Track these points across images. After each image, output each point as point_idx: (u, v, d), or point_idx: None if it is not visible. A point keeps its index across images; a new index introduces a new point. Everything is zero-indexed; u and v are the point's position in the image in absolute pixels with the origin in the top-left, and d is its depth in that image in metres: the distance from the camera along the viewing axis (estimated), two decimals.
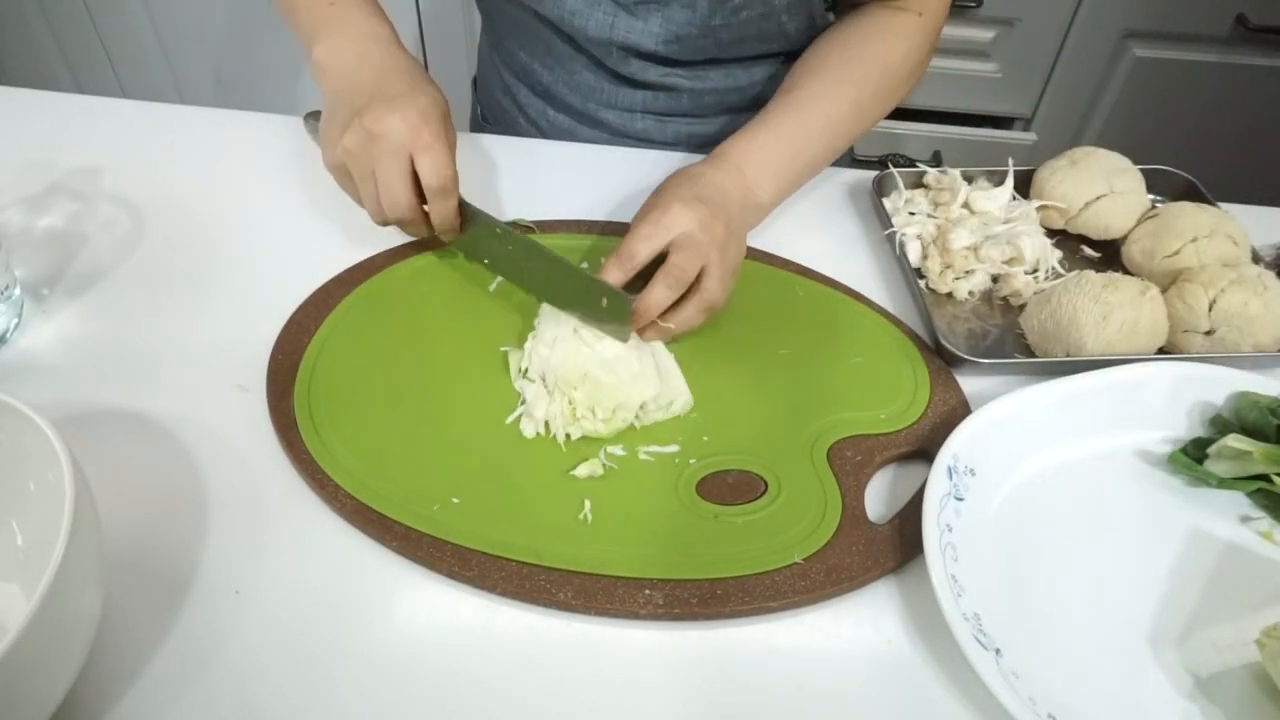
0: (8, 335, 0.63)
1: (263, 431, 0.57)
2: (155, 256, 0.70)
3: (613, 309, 0.59)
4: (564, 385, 0.57)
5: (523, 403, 0.58)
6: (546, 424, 0.57)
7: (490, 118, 0.95)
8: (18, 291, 0.64)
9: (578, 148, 0.82)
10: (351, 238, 0.70)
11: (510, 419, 0.57)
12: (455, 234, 0.65)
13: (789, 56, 0.79)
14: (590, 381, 0.57)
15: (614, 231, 0.71)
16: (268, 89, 1.74)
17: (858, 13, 0.74)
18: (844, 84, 0.70)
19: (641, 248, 0.60)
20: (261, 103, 1.75)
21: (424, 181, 0.61)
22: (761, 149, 0.67)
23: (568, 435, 0.57)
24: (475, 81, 1.00)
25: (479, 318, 0.64)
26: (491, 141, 0.82)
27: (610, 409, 0.56)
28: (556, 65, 0.82)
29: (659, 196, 0.63)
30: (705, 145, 0.75)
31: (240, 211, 0.74)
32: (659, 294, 0.59)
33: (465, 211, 0.65)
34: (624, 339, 0.60)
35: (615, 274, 0.60)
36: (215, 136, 0.81)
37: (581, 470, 0.55)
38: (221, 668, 0.47)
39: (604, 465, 0.55)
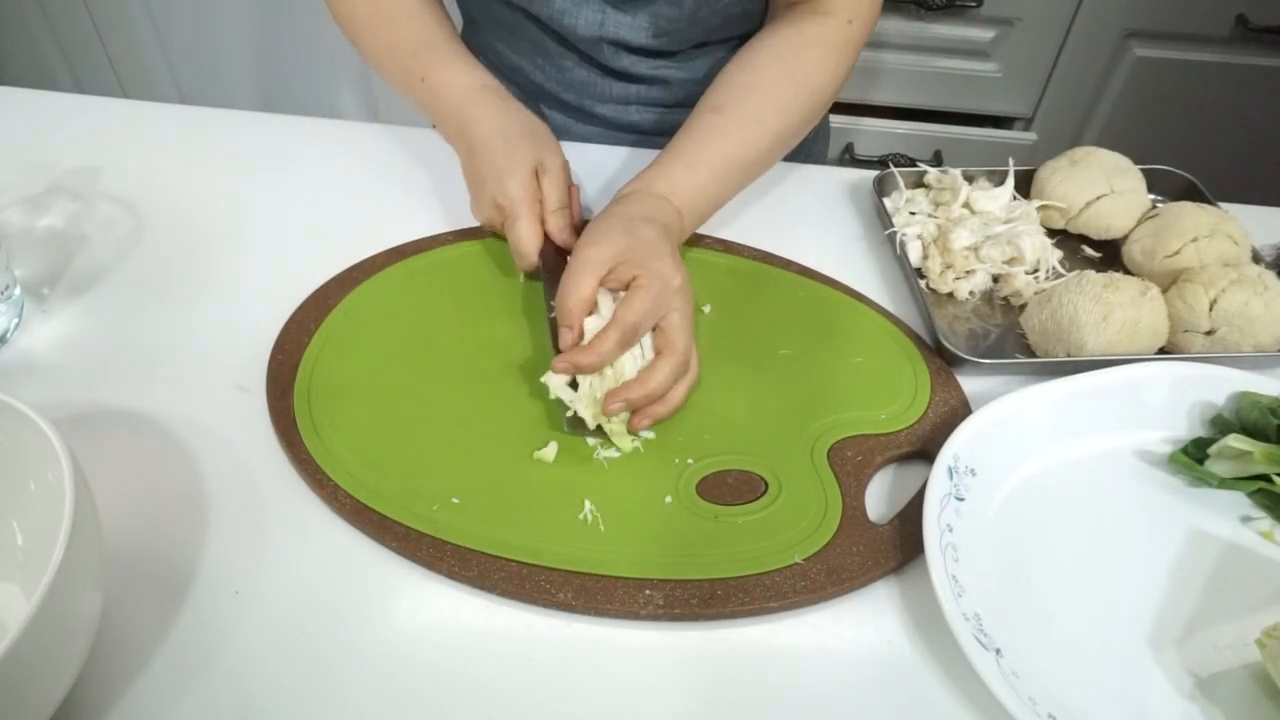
0: (8, 335, 0.63)
1: (263, 431, 0.57)
2: (155, 256, 0.70)
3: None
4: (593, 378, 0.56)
5: (569, 413, 0.57)
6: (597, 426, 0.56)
7: None
8: (18, 291, 0.64)
9: (580, 147, 0.82)
10: (351, 238, 0.70)
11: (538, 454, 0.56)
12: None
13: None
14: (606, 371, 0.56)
15: None
16: (268, 89, 1.74)
17: (787, 20, 0.72)
18: (772, 110, 0.68)
19: (575, 294, 0.56)
20: (262, 102, 1.76)
21: (551, 236, 0.66)
22: (689, 179, 0.65)
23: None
24: None
25: (479, 317, 0.64)
26: None
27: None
28: (547, 64, 0.82)
29: (594, 229, 0.60)
30: None
31: (240, 211, 0.74)
32: (609, 349, 0.55)
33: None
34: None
35: (566, 339, 0.57)
36: (215, 136, 0.81)
37: (548, 452, 0.56)
38: (221, 668, 0.47)
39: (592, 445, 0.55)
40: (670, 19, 0.74)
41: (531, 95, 0.85)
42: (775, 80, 0.69)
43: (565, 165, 0.69)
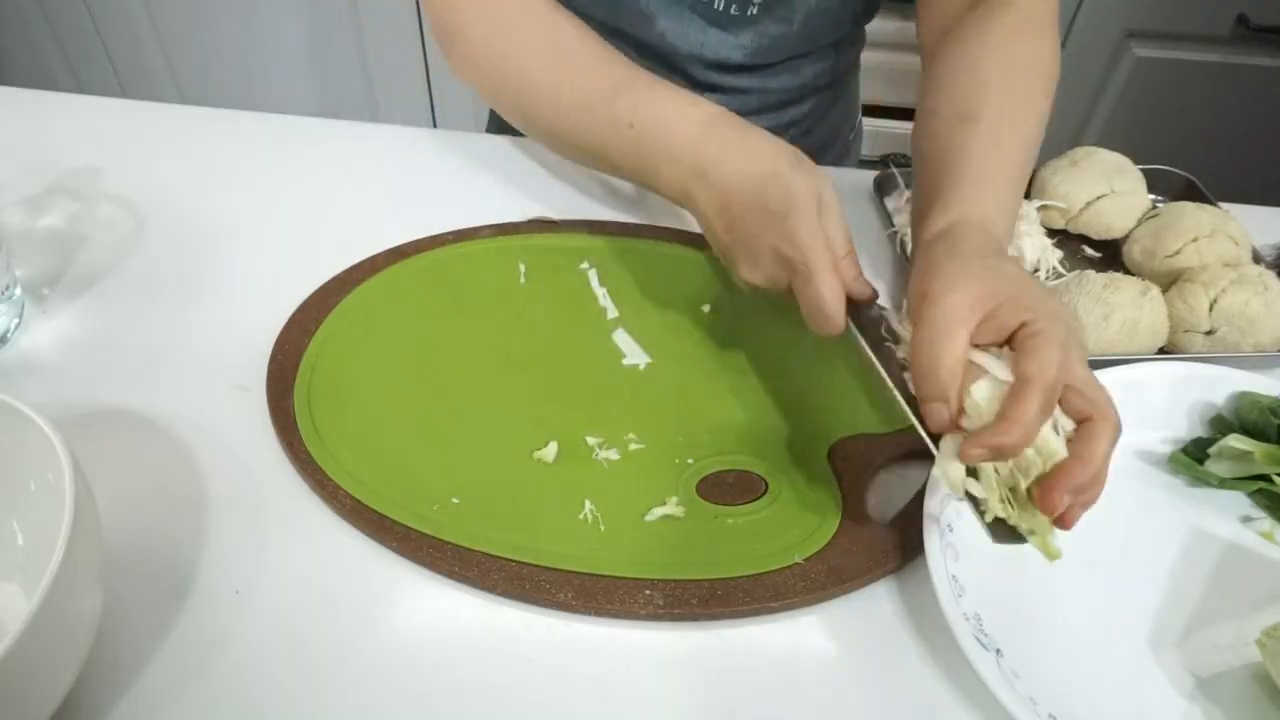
0: (8, 335, 0.63)
1: (263, 431, 0.57)
2: (155, 256, 0.70)
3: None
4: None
5: (987, 518, 0.46)
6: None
7: None
8: (18, 291, 0.64)
9: None
10: (351, 238, 0.70)
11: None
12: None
13: (842, 41, 0.78)
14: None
15: (626, 233, 0.71)
16: (268, 89, 1.74)
17: (984, 12, 0.65)
18: (1022, 103, 0.61)
19: (948, 356, 0.45)
20: (262, 102, 1.75)
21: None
22: (996, 204, 0.55)
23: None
24: None
25: (480, 318, 0.64)
26: (501, 143, 0.82)
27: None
28: None
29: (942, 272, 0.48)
30: None
31: (240, 211, 0.74)
32: (1033, 418, 0.42)
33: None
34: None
35: (939, 417, 0.45)
36: (215, 136, 0.81)
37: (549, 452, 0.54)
38: (221, 668, 0.47)
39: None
40: (775, 37, 0.71)
41: None
42: (1006, 73, 0.61)
43: (838, 198, 0.55)
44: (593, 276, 0.67)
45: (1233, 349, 0.62)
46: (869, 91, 1.44)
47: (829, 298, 0.51)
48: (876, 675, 0.48)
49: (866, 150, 1.47)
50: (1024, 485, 0.44)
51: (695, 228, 0.67)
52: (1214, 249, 0.66)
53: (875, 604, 0.51)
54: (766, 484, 0.55)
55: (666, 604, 0.49)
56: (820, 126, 0.88)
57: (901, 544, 0.52)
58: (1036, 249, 0.68)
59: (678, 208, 0.62)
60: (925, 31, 0.70)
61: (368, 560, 0.51)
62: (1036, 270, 0.69)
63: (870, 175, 0.77)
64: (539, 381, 0.60)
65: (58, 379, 0.60)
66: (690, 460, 0.56)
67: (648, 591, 0.49)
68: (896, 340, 0.53)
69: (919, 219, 0.57)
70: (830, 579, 0.50)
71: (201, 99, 1.75)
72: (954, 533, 0.51)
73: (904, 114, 1.49)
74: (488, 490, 0.54)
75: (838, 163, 0.86)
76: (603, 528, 0.52)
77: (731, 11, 0.73)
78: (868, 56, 0.90)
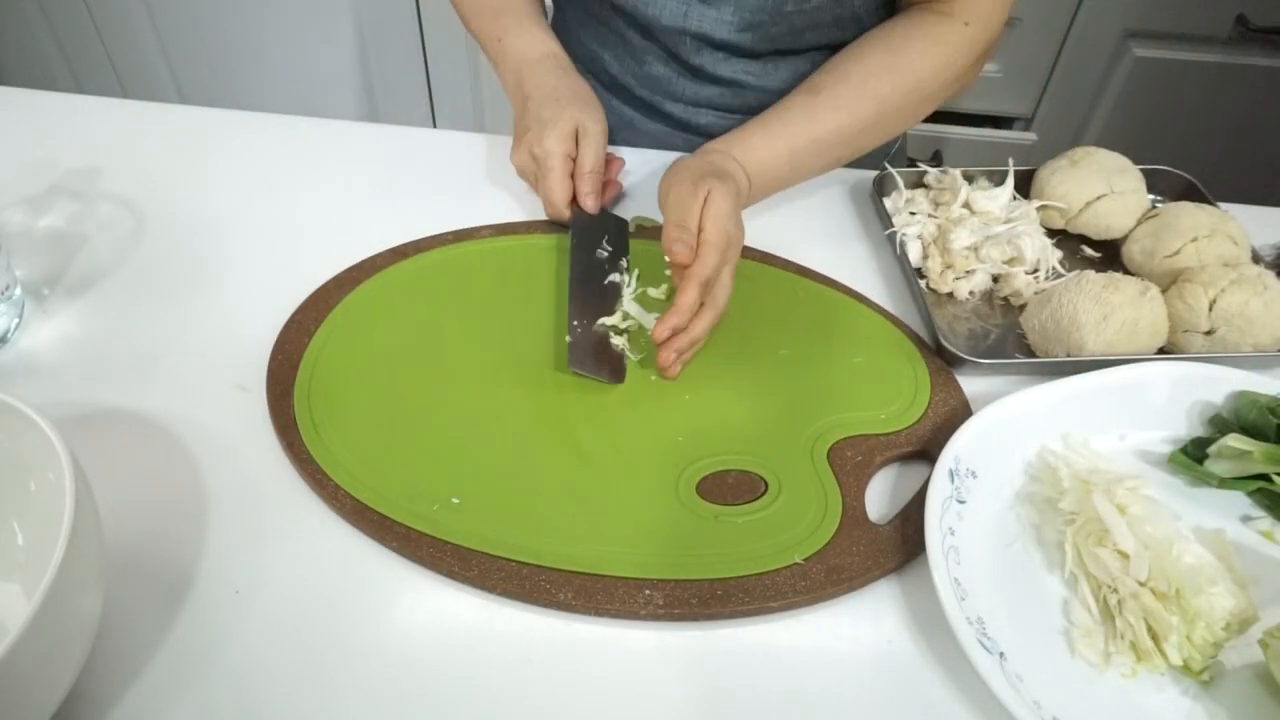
0: (8, 335, 0.63)
1: (263, 431, 0.57)
2: (155, 256, 0.70)
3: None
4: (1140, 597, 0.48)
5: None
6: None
7: None
8: (18, 291, 0.64)
9: (640, 152, 0.81)
10: (351, 238, 0.70)
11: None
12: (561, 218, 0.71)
13: (843, 46, 0.78)
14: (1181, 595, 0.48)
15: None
16: (268, 89, 1.74)
17: (902, 16, 0.72)
18: (868, 97, 0.69)
19: (683, 235, 0.59)
20: (262, 103, 1.75)
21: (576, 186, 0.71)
22: (766, 150, 0.67)
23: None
24: None
25: (479, 318, 0.64)
26: (501, 143, 0.82)
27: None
28: (627, 56, 0.82)
29: (684, 175, 0.63)
30: None
31: (240, 211, 0.74)
32: (691, 298, 0.58)
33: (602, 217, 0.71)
34: (620, 381, 0.61)
35: (679, 253, 0.58)
36: (215, 136, 0.81)
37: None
38: (221, 668, 0.47)
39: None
40: (755, 12, 0.73)
41: (607, 86, 0.86)
42: (875, 69, 0.69)
43: (605, 133, 0.72)
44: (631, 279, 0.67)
45: (1232, 349, 0.62)
46: None
47: (555, 191, 0.69)
48: (876, 675, 0.48)
49: None
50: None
51: None
52: (1213, 249, 0.66)
53: (875, 604, 0.51)
54: (766, 484, 0.55)
55: (666, 604, 0.49)
56: None
57: (901, 544, 0.52)
58: (1036, 249, 0.68)
59: None
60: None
61: (368, 560, 0.51)
62: (1035, 270, 0.69)
63: (870, 175, 0.77)
64: (539, 381, 0.60)
65: (58, 379, 0.60)
66: (690, 460, 0.56)
67: (647, 591, 0.49)
68: (625, 250, 0.69)
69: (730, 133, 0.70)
70: (830, 579, 0.50)
71: (201, 99, 1.75)
72: (956, 535, 0.51)
73: None
74: (488, 490, 0.54)
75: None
76: (603, 528, 0.52)
77: None
78: None
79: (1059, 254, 0.71)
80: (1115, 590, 0.49)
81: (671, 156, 0.79)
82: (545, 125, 0.70)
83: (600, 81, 0.86)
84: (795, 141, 0.68)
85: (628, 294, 0.66)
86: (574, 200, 0.70)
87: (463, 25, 0.83)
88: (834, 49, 0.75)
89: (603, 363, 0.60)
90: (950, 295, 0.69)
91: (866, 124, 0.69)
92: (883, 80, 0.69)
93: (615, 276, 0.67)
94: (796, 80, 0.73)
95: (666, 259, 0.59)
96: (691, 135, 0.84)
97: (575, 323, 0.62)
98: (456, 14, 0.83)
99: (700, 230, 0.59)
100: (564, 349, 0.61)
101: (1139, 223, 0.72)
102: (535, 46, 0.76)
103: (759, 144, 0.67)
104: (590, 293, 0.65)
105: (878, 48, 0.71)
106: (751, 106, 0.81)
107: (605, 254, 0.68)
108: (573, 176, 0.70)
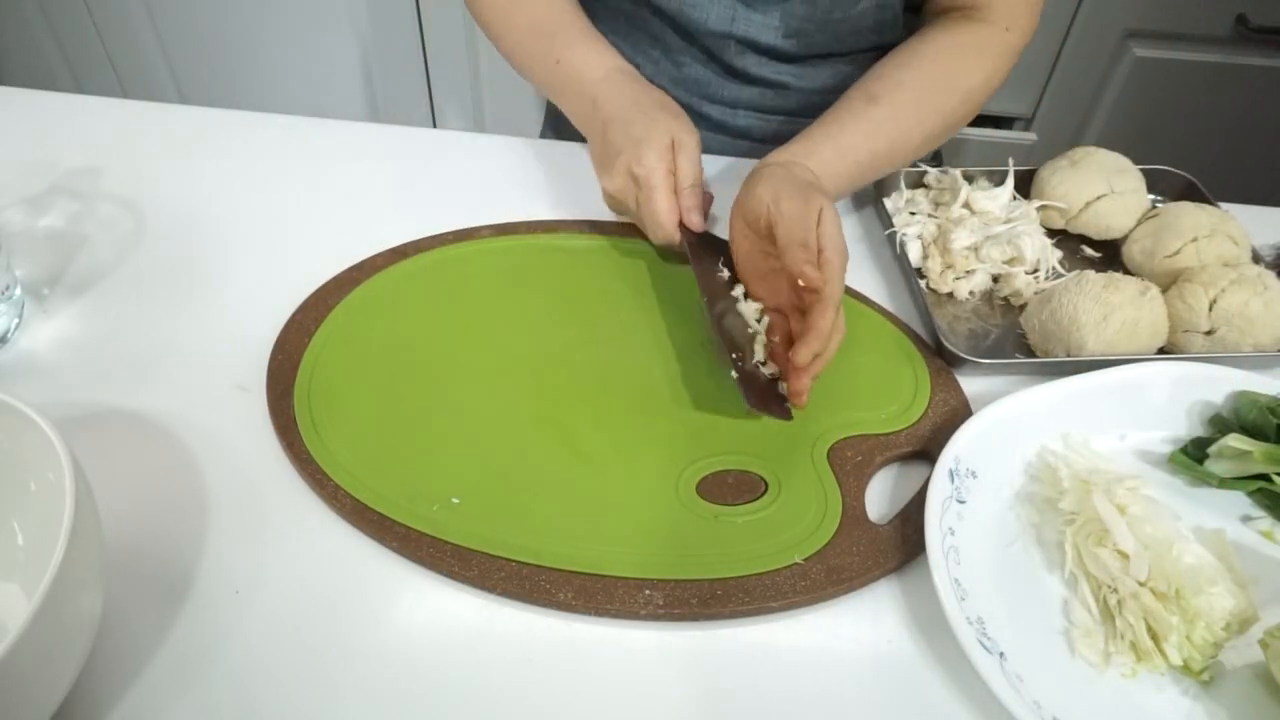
0: (8, 335, 0.63)
1: (263, 431, 0.57)
2: (155, 256, 0.70)
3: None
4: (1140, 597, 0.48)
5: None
6: None
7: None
8: (18, 291, 0.64)
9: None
10: (351, 238, 0.70)
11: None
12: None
13: (886, 47, 0.77)
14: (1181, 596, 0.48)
15: (625, 233, 0.71)
16: (268, 89, 1.74)
17: (943, 25, 0.71)
18: (925, 111, 0.67)
19: (809, 258, 0.55)
20: (262, 103, 1.75)
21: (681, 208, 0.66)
22: (838, 163, 0.65)
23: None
24: None
25: (479, 317, 0.64)
26: (501, 143, 0.82)
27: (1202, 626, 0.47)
28: (663, 58, 0.81)
29: (789, 190, 0.59)
30: None
31: (240, 211, 0.74)
32: (828, 322, 0.54)
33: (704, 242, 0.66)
34: (790, 418, 0.57)
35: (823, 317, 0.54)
36: (215, 136, 0.81)
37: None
38: (221, 668, 0.47)
39: None
40: (803, 18, 0.73)
41: None
42: (932, 81, 0.68)
43: (699, 143, 0.67)
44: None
45: (1232, 349, 0.62)
46: None
47: (664, 211, 0.64)
48: (876, 675, 0.48)
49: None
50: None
51: None
52: (1213, 249, 0.66)
53: (875, 604, 0.51)
54: (766, 484, 0.55)
55: (666, 604, 0.49)
56: None
57: (901, 544, 0.52)
58: (1036, 249, 0.68)
59: None
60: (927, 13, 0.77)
61: (368, 560, 0.51)
62: (1035, 270, 0.69)
63: None
64: (539, 381, 0.60)
65: (58, 379, 0.60)
66: (690, 460, 0.56)
67: (647, 591, 0.49)
68: (733, 270, 0.65)
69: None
70: (829, 579, 0.50)
71: (201, 99, 1.75)
72: (956, 536, 0.51)
73: None
74: (487, 490, 0.54)
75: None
76: (603, 528, 0.52)
77: None
78: None
79: (1059, 254, 0.71)
80: (1115, 590, 0.49)
81: (712, 161, 0.78)
82: (640, 142, 0.65)
83: None
84: (860, 155, 0.66)
85: (755, 324, 0.62)
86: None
87: (506, 60, 0.77)
88: (875, 50, 0.75)
89: (773, 400, 0.58)
90: (950, 295, 0.69)
91: (924, 138, 0.68)
92: (940, 93, 0.68)
93: (742, 304, 0.63)
94: (838, 82, 0.72)
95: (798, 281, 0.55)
96: (730, 138, 0.83)
97: (735, 357, 0.58)
98: (497, 49, 0.77)
99: (820, 251, 0.55)
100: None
101: (1139, 223, 0.72)
102: (601, 63, 0.71)
103: (830, 158, 0.65)
104: (733, 325, 0.61)
105: (928, 57, 0.69)
106: (791, 108, 0.81)
107: (726, 275, 0.65)
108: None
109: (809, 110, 0.69)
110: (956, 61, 0.69)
